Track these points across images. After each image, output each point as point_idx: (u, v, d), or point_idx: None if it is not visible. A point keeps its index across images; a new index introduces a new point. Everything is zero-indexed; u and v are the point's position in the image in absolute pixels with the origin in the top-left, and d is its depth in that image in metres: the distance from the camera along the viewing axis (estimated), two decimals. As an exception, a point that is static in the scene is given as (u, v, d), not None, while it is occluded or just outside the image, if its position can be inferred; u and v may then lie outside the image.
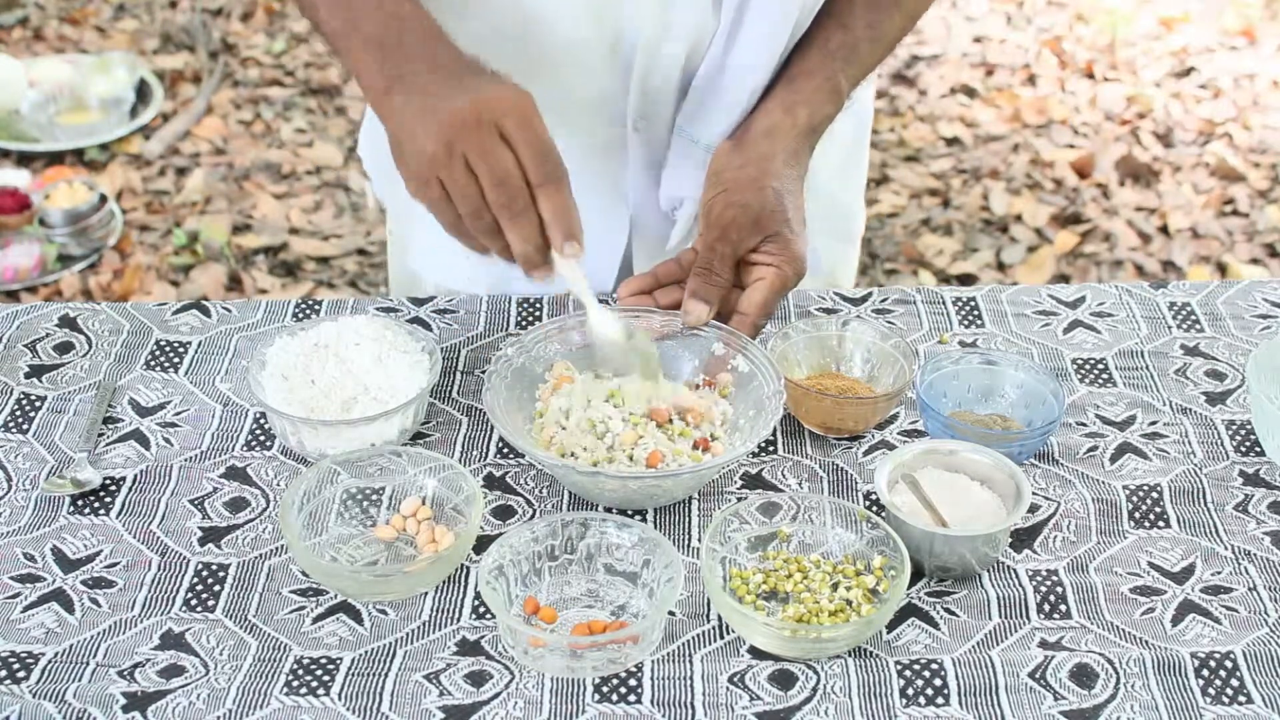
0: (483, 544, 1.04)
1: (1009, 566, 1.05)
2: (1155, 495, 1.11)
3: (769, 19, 1.20)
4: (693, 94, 1.24)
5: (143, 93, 3.63)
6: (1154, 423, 1.19)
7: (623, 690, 0.95)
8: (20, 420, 1.18)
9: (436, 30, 1.09)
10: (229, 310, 1.32)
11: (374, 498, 1.09)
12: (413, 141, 1.03)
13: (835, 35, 1.24)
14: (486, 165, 1.01)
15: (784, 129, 1.21)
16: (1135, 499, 1.11)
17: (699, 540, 1.05)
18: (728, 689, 0.95)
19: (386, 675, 0.96)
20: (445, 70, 1.06)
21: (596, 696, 0.95)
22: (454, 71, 1.06)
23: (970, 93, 3.84)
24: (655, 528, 1.06)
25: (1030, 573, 1.04)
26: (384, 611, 1.01)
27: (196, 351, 1.27)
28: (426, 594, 1.02)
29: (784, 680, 0.96)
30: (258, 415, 1.19)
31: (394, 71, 1.06)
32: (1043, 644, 0.98)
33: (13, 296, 2.97)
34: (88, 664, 0.97)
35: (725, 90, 1.22)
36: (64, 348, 1.27)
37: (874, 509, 1.09)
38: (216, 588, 1.03)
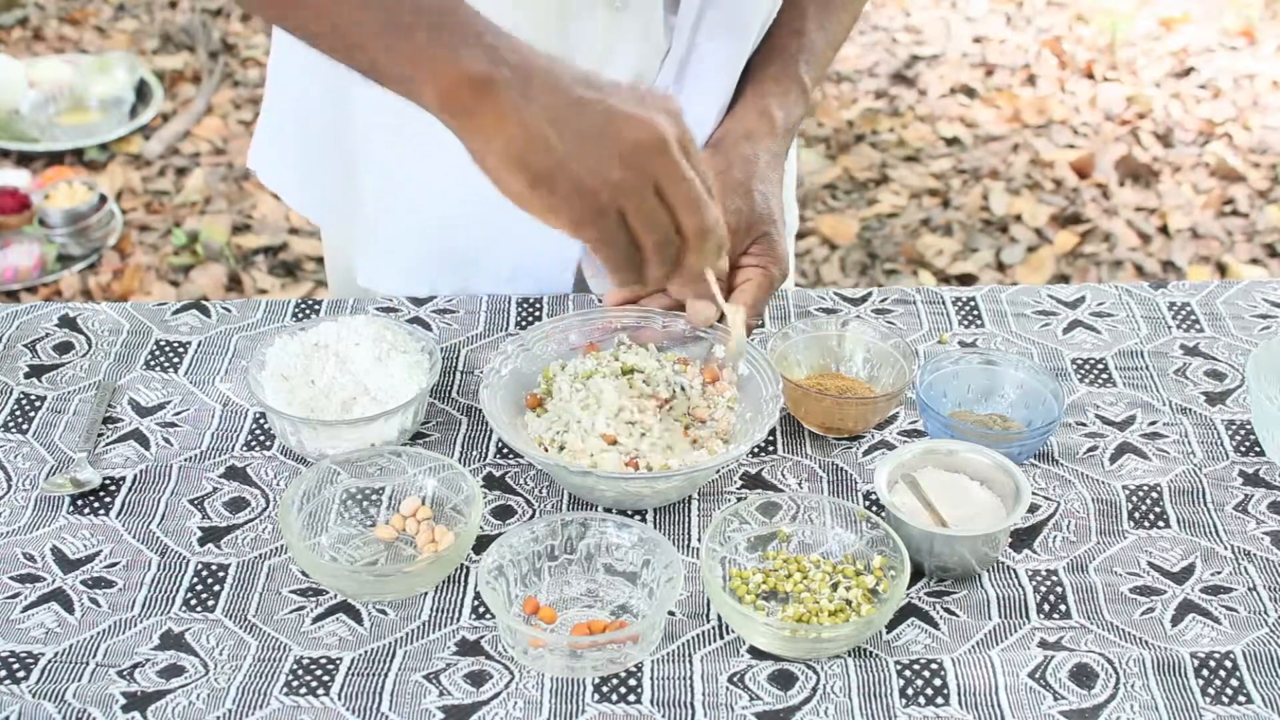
0: (483, 544, 1.04)
1: (1009, 566, 1.05)
2: (1155, 495, 1.11)
3: (728, 38, 1.20)
4: None
5: (143, 93, 3.63)
6: (1154, 423, 1.19)
7: (623, 690, 0.95)
8: (20, 420, 1.18)
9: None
10: (229, 310, 1.32)
11: (374, 498, 1.09)
12: (578, 162, 0.90)
13: (792, 41, 1.26)
14: (681, 189, 0.93)
15: (762, 132, 1.22)
16: (1135, 499, 1.11)
17: (699, 540, 1.05)
18: (728, 689, 0.95)
19: (386, 675, 0.96)
20: (558, 67, 0.92)
21: (596, 696, 0.95)
22: (571, 72, 0.92)
23: (970, 93, 3.84)
24: (655, 528, 1.06)
25: (1030, 573, 1.04)
26: (384, 611, 1.01)
27: (196, 351, 1.27)
28: (426, 594, 1.02)
29: (784, 680, 0.96)
30: (257, 415, 1.19)
31: (493, 57, 0.90)
32: (1042, 644, 0.98)
33: (13, 296, 2.97)
34: (87, 664, 0.97)
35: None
36: (64, 348, 1.27)
37: (874, 509, 1.09)
38: (216, 588, 1.03)
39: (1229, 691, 0.95)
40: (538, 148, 0.90)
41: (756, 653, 0.98)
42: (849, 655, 0.97)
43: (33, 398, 1.21)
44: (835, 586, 1.02)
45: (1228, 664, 0.97)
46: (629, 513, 1.09)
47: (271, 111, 1.41)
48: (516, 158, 0.91)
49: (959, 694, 0.95)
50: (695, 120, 1.22)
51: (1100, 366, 1.25)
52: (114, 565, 1.05)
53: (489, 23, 0.93)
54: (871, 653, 0.98)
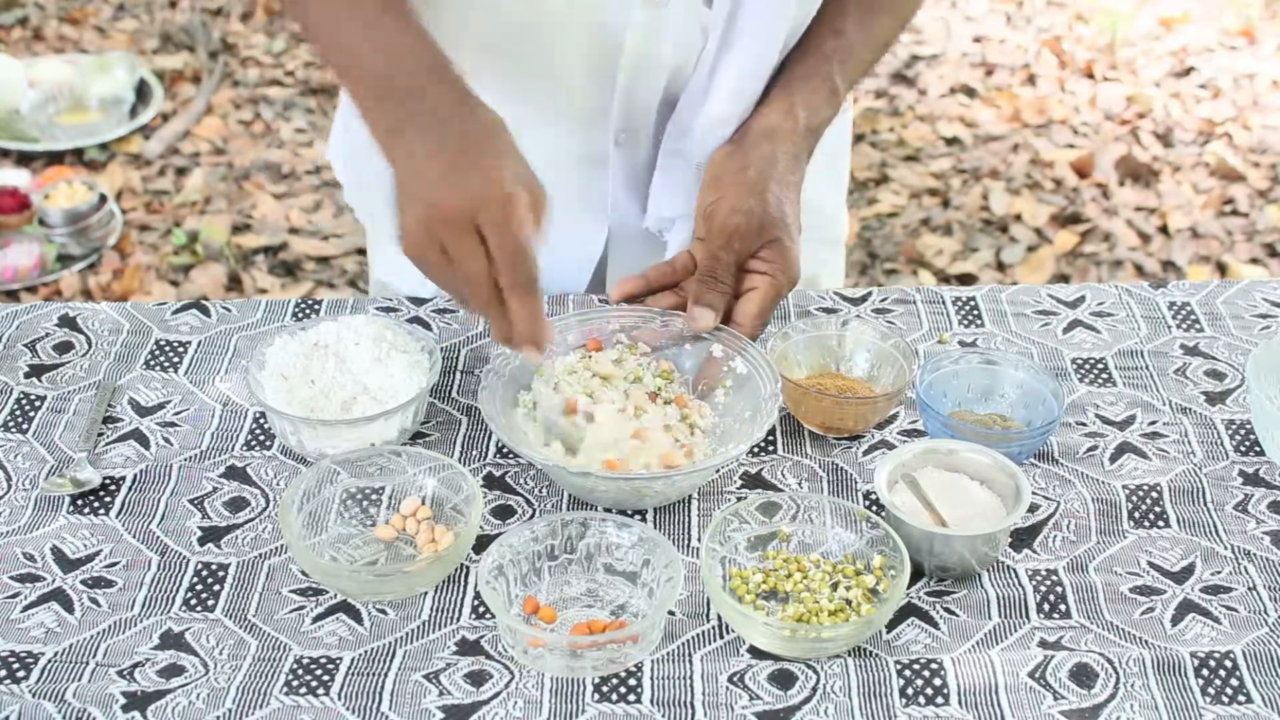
0: (482, 544, 1.04)
1: (1009, 566, 1.05)
2: (1155, 495, 1.11)
3: (758, 37, 1.20)
4: (680, 111, 1.24)
5: (142, 93, 3.63)
6: (1154, 422, 1.19)
7: (623, 690, 0.95)
8: (20, 420, 1.18)
9: (436, 63, 1.07)
10: (229, 310, 1.32)
11: (374, 497, 1.09)
12: (404, 210, 1.04)
13: (829, 40, 1.24)
14: (460, 262, 1.02)
15: (785, 131, 1.21)
16: (1135, 499, 1.11)
17: (699, 540, 1.05)
18: (727, 689, 0.95)
19: (386, 675, 0.96)
20: (444, 130, 1.04)
21: (596, 696, 0.95)
22: (452, 132, 1.04)
23: (970, 93, 3.84)
24: (655, 527, 1.06)
25: (1030, 572, 1.04)
26: (384, 611, 1.01)
27: (196, 351, 1.27)
28: (426, 594, 1.02)
29: (784, 680, 0.96)
30: (257, 415, 1.19)
31: (393, 117, 1.06)
32: (1042, 644, 0.98)
33: (13, 296, 2.97)
34: (87, 664, 0.97)
35: (713, 106, 1.22)
36: (64, 347, 1.27)
37: (874, 509, 1.09)
38: (216, 587, 1.03)
39: (1229, 691, 0.95)
40: (395, 175, 1.06)
41: (756, 652, 0.98)
42: (849, 655, 0.98)
43: (33, 397, 1.21)
44: (835, 586, 1.02)
45: (1228, 664, 0.97)
46: (629, 513, 1.09)
47: (341, 108, 1.44)
48: (394, 180, 1.06)
49: (959, 694, 0.95)
50: (723, 117, 1.22)
51: (1100, 366, 1.25)
52: (114, 565, 1.05)
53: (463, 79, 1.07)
54: (871, 652, 0.98)
